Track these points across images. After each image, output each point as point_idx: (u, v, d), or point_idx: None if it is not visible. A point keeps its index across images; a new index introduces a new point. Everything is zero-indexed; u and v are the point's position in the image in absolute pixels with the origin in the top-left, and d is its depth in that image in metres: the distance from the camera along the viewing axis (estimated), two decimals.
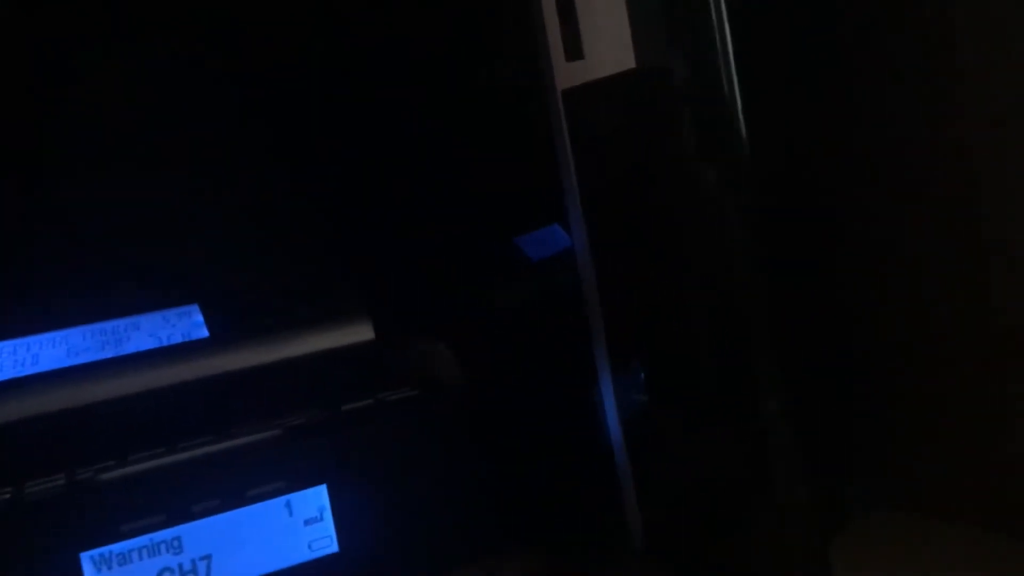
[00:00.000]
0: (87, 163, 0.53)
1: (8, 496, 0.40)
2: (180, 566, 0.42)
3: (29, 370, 0.45)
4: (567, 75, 0.37)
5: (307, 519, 0.44)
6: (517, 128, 0.46)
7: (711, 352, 0.36)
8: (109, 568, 0.40)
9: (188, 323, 0.49)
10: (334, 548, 0.44)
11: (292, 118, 0.57)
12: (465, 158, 0.50)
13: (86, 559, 0.40)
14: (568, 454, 0.47)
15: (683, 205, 0.35)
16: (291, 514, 0.43)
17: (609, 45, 0.37)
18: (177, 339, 0.47)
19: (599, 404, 0.43)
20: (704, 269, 0.36)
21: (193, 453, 0.43)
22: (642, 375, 0.42)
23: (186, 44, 0.55)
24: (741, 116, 0.35)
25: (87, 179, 0.53)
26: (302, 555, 0.43)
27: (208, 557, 0.42)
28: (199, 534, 0.42)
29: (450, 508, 0.46)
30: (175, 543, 0.41)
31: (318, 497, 0.44)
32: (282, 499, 0.43)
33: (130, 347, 0.47)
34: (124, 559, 0.41)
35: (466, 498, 0.46)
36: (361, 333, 0.50)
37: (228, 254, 0.55)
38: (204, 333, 0.48)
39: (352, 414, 0.46)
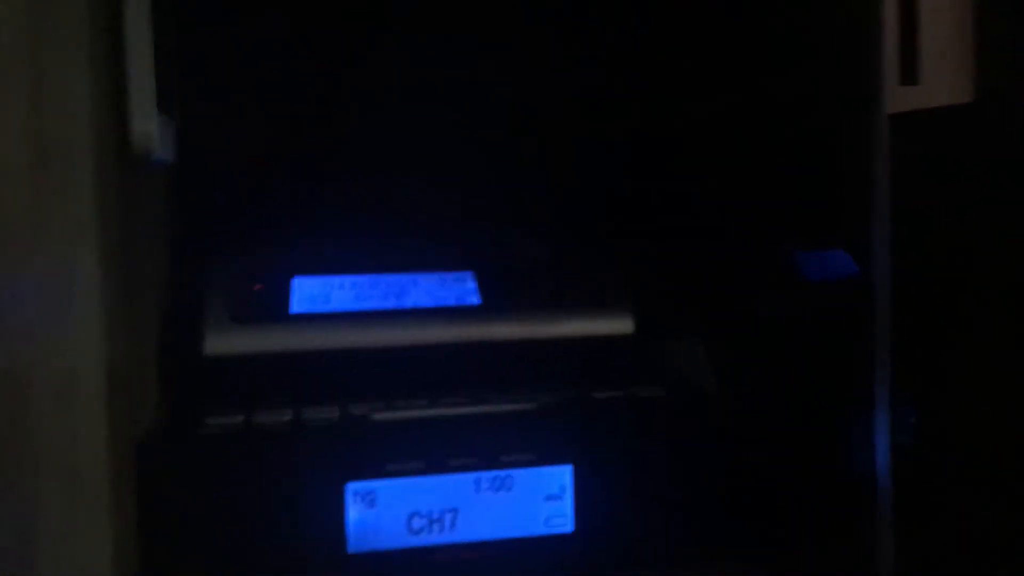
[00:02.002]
0: (392, 134, 0.57)
1: (288, 419, 0.44)
2: (429, 512, 0.44)
3: (321, 308, 0.48)
4: (899, 99, 0.36)
5: (548, 495, 0.45)
6: (819, 145, 0.45)
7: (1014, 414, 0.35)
8: (367, 503, 0.43)
9: (462, 288, 0.51)
10: (569, 528, 0.45)
11: (585, 107, 0.58)
12: (758, 166, 0.49)
13: (350, 489, 0.43)
14: (816, 478, 0.45)
15: (1012, 254, 0.34)
16: (535, 487, 0.45)
17: (948, 73, 0.35)
18: (451, 301, 0.50)
19: (859, 436, 0.42)
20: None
21: (455, 410, 0.45)
22: (912, 419, 0.41)
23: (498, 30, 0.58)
24: None
25: (391, 151, 0.56)
26: (538, 528, 0.45)
27: (455, 511, 0.44)
28: (451, 487, 0.44)
29: (685, 511, 0.46)
30: (430, 491, 0.44)
31: (562, 476, 0.45)
32: (530, 470, 0.45)
33: (408, 302, 0.50)
34: (383, 496, 0.43)
35: (703, 504, 0.46)
36: (621, 326, 0.50)
37: (508, 231, 0.57)
38: (476, 300, 0.50)
39: (602, 402, 0.47)
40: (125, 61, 0.38)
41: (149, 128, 0.39)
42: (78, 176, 0.34)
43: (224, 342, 0.46)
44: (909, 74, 0.37)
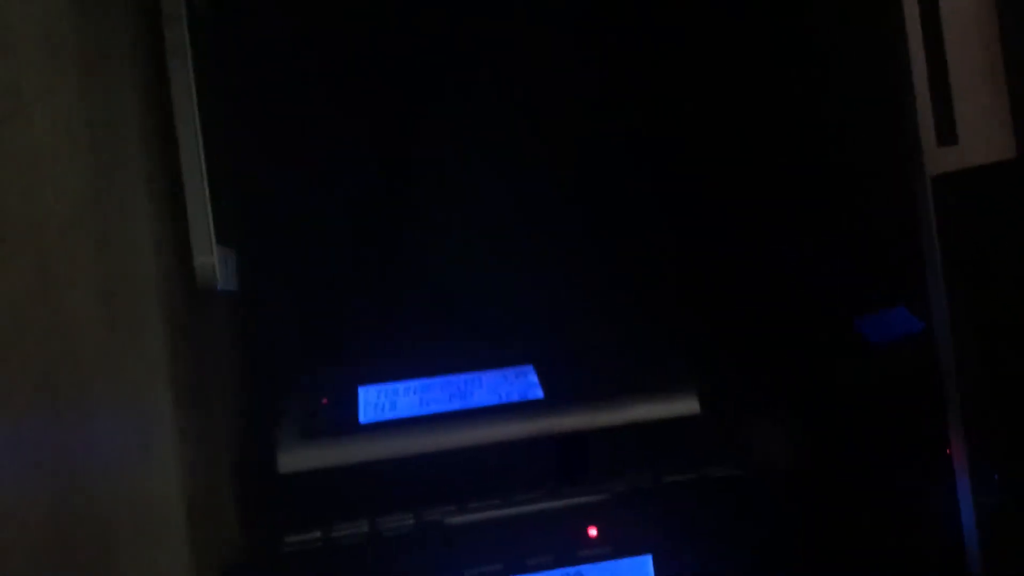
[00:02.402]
0: (444, 238, 0.58)
1: (365, 530, 0.44)
2: None
3: (387, 416, 0.49)
4: (938, 160, 0.36)
5: None
6: (870, 210, 0.45)
7: None
8: None
9: (524, 383, 0.51)
10: None
11: (632, 192, 0.59)
12: (813, 236, 0.49)
13: None
14: (904, 547, 0.44)
15: None
16: None
17: (986, 130, 0.35)
18: (515, 397, 0.50)
19: (943, 499, 0.41)
20: None
21: (527, 508, 0.45)
22: (996, 476, 0.40)
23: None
24: None
25: (443, 254, 0.58)
26: None
27: None
28: None
29: None
30: None
31: (643, 566, 0.45)
32: (610, 563, 0.44)
33: (473, 401, 0.50)
34: None
35: None
36: (687, 406, 0.50)
37: (563, 321, 0.58)
38: (539, 393, 0.50)
39: (675, 486, 0.46)
40: (184, 199, 0.40)
41: (211, 261, 0.41)
42: (147, 317, 0.35)
43: (296, 459, 0.47)
44: (947, 135, 0.37)
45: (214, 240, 0.40)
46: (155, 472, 0.35)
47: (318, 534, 0.44)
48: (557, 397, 0.50)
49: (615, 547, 0.44)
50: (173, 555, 0.36)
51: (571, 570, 0.44)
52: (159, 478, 0.36)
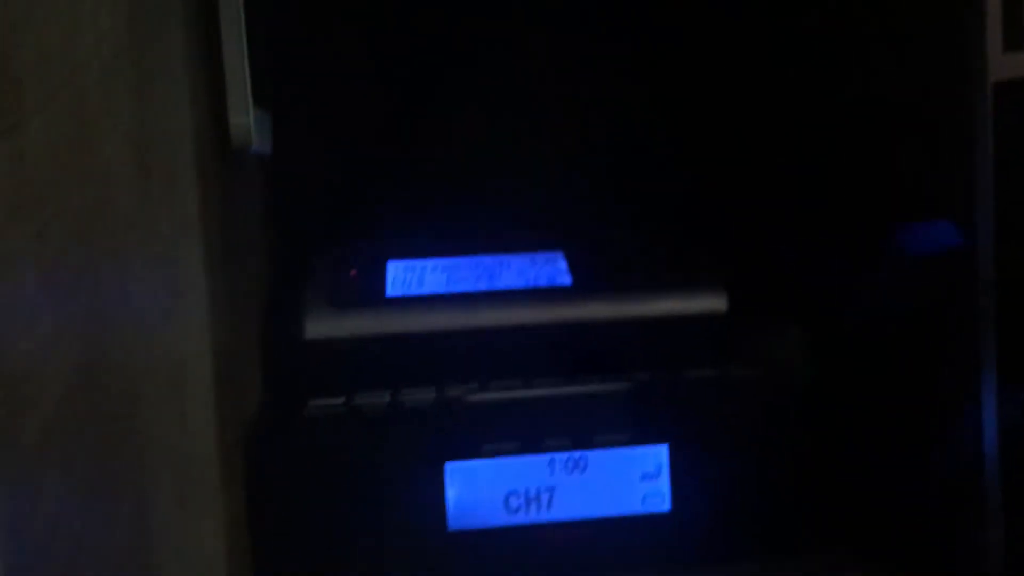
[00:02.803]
0: (481, 120, 0.57)
1: (387, 401, 0.45)
2: (526, 492, 0.45)
3: (415, 291, 0.49)
4: (1003, 66, 0.35)
5: (644, 474, 0.45)
6: (920, 115, 0.43)
7: None
8: (466, 481, 0.44)
9: (553, 269, 0.51)
10: (666, 507, 0.45)
11: (676, 87, 0.58)
12: (858, 138, 0.48)
13: (449, 468, 0.44)
14: (920, 462, 0.44)
15: None
16: (631, 466, 0.45)
17: None
18: (542, 282, 0.50)
19: (966, 416, 0.41)
20: None
21: (548, 391, 0.45)
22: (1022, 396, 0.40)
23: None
24: None
25: (480, 133, 0.57)
26: (634, 507, 0.45)
27: (551, 490, 0.45)
28: (547, 467, 0.45)
29: (782, 494, 0.45)
30: (525, 471, 0.44)
31: (658, 455, 0.45)
32: (625, 450, 0.45)
33: (500, 283, 0.50)
34: (480, 475, 0.44)
35: (800, 487, 0.46)
36: (714, 304, 0.50)
37: (597, 209, 0.57)
38: (567, 280, 0.50)
39: (696, 382, 0.46)
40: (222, 58, 0.39)
41: (246, 121, 0.40)
42: (181, 173, 0.35)
43: (323, 327, 0.47)
44: (1013, 39, 0.35)
45: (250, 99, 0.40)
46: (183, 328, 0.36)
47: (341, 401, 0.44)
48: (585, 285, 0.50)
49: (632, 435, 0.45)
50: (199, 410, 0.37)
51: (587, 453, 0.45)
52: (187, 334, 0.36)
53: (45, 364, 0.21)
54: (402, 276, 0.50)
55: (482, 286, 0.50)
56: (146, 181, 0.30)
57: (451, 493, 0.44)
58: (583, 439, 0.45)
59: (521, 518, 0.44)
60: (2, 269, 0.20)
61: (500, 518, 0.44)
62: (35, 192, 0.21)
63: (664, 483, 0.45)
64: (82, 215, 0.24)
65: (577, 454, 0.45)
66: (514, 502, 0.44)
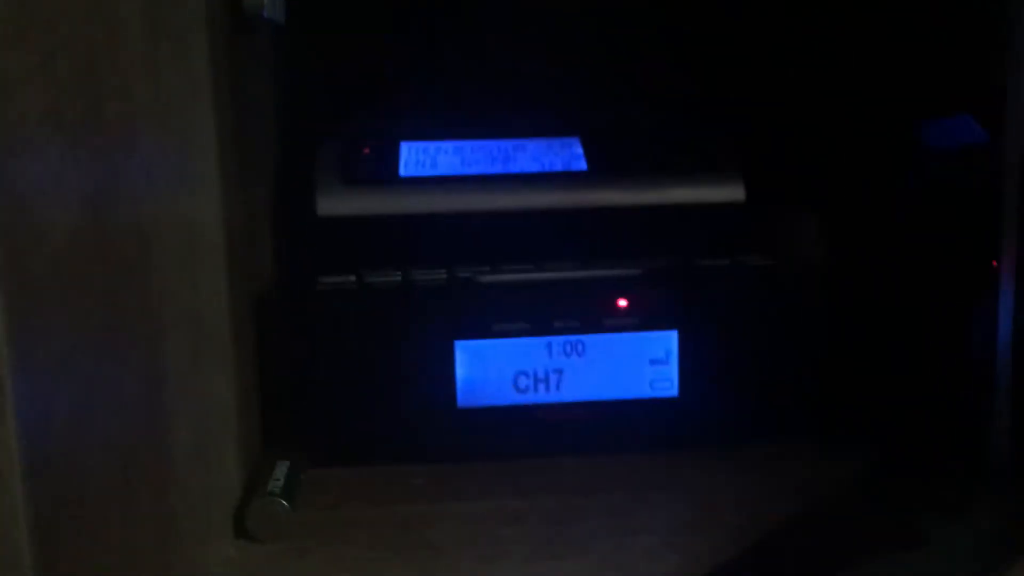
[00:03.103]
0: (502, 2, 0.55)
1: (399, 279, 0.45)
2: (535, 372, 0.45)
3: (428, 172, 0.49)
4: None
5: (653, 359, 0.45)
6: (948, 8, 0.42)
7: None
8: (476, 360, 0.44)
9: (569, 154, 0.50)
10: (674, 392, 0.45)
11: None
12: (879, 25, 0.46)
13: (459, 347, 0.44)
14: (931, 354, 0.44)
15: None
16: (640, 351, 0.45)
17: None
18: (558, 167, 0.50)
19: (981, 312, 0.41)
20: None
21: (559, 274, 0.45)
22: None
23: None
24: None
25: (499, 15, 0.55)
26: (643, 391, 0.45)
27: (560, 371, 0.45)
28: (556, 348, 0.45)
29: (791, 382, 0.45)
30: (535, 351, 0.44)
31: (667, 341, 0.45)
32: (635, 334, 0.45)
33: (515, 166, 0.49)
34: (490, 354, 0.44)
35: (808, 377, 0.46)
36: (732, 193, 0.49)
37: (615, 95, 0.56)
38: (583, 165, 0.50)
39: (709, 270, 0.46)
40: None
41: None
42: (190, 32, 0.34)
43: (336, 203, 0.47)
44: None
45: None
46: (195, 193, 0.35)
47: (352, 278, 0.44)
48: (601, 171, 0.49)
49: (641, 319, 0.45)
50: (210, 277, 0.37)
51: (597, 336, 0.45)
52: (199, 200, 0.36)
53: (54, 192, 0.21)
54: (416, 156, 0.49)
55: (497, 169, 0.49)
56: (156, 41, 0.30)
57: (460, 371, 0.44)
58: (593, 323, 0.45)
59: (529, 398, 0.45)
60: (8, 90, 0.19)
61: (509, 397, 0.45)
62: (41, 16, 0.21)
63: (673, 368, 0.45)
64: (90, 49, 0.24)
65: (586, 337, 0.45)
66: (523, 382, 0.45)
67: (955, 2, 0.41)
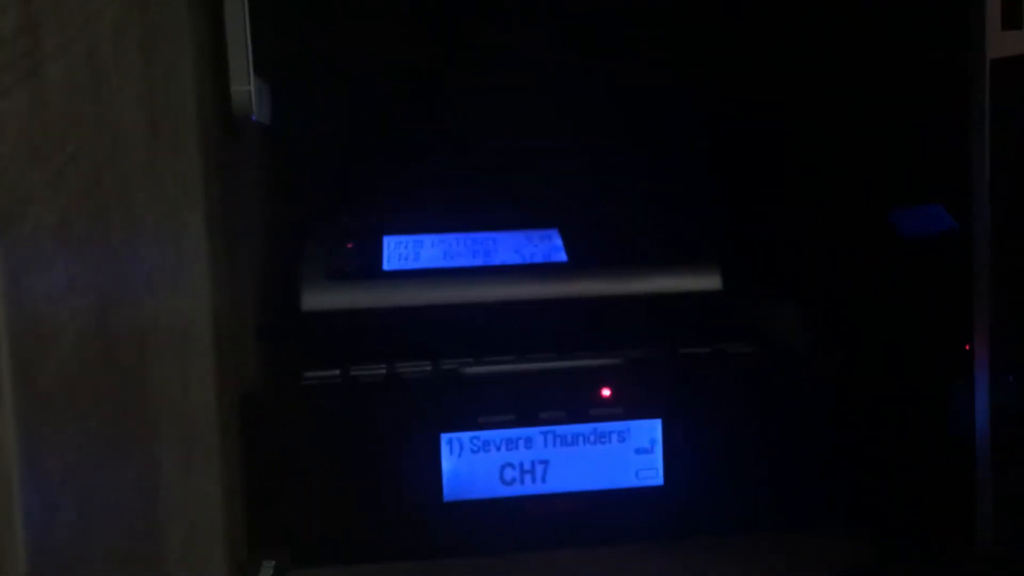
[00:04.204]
0: (480, 100, 0.57)
1: (383, 372, 0.45)
2: (521, 464, 0.45)
3: (411, 265, 0.49)
4: (1001, 45, 0.35)
5: (638, 448, 0.46)
6: (915, 94, 0.44)
7: None
8: (461, 452, 0.44)
9: (548, 246, 0.51)
10: (659, 481, 0.45)
11: (670, 69, 0.58)
12: (852, 117, 0.48)
13: (445, 439, 0.44)
14: (911, 440, 0.45)
15: None
16: (625, 440, 0.45)
17: None
18: (538, 258, 0.50)
19: (957, 397, 0.41)
20: None
21: (544, 364, 0.46)
22: (1010, 378, 0.40)
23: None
24: None
25: (477, 112, 0.57)
26: (628, 481, 0.45)
27: (546, 462, 0.45)
28: (542, 439, 0.45)
29: (776, 470, 0.46)
30: (521, 442, 0.45)
31: (652, 430, 0.46)
32: (619, 424, 0.45)
33: (496, 259, 0.50)
34: (476, 447, 0.44)
35: (793, 464, 0.46)
36: (709, 282, 0.50)
37: (591, 188, 0.58)
38: (563, 257, 0.51)
39: (690, 358, 0.47)
40: (224, 29, 0.39)
41: (247, 89, 0.40)
42: (185, 132, 0.35)
43: (320, 298, 0.47)
44: (1012, 18, 0.36)
45: (251, 68, 0.40)
46: (187, 290, 0.36)
47: (336, 372, 0.45)
48: (580, 262, 0.50)
49: (626, 409, 0.45)
50: (200, 376, 0.37)
51: (582, 427, 0.45)
52: (192, 301, 0.36)
53: (61, 303, 0.22)
54: (398, 250, 0.50)
55: (478, 262, 0.50)
56: (154, 139, 0.30)
57: (447, 464, 0.44)
58: (578, 413, 0.45)
59: (516, 490, 0.45)
60: (21, 209, 0.20)
61: (495, 489, 0.45)
62: (53, 135, 0.21)
63: (657, 458, 0.46)
64: (96, 163, 0.24)
65: (572, 428, 0.45)
66: (509, 474, 0.45)
67: (924, 92, 0.43)
